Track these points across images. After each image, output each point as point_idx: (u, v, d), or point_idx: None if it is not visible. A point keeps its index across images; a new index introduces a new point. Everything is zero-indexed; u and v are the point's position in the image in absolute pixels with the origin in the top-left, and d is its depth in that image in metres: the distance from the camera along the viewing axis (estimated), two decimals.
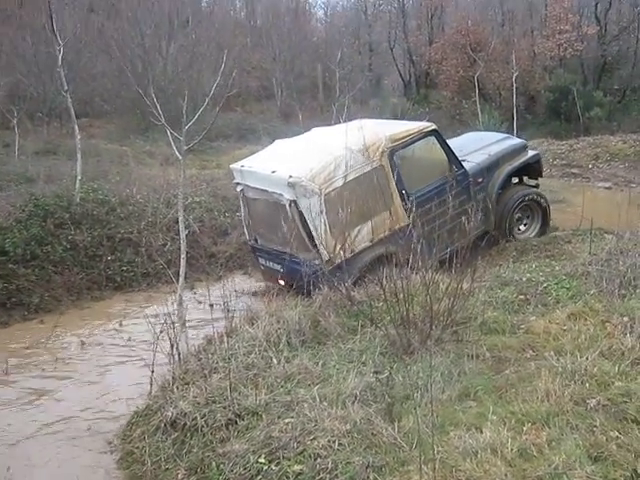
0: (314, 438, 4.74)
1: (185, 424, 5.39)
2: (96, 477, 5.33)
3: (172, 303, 7.47)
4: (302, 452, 4.66)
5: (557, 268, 8.04)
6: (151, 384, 6.29)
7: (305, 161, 8.70)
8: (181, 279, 7.17)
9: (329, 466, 4.45)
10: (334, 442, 4.66)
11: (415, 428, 4.52)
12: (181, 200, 7.39)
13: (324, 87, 31.87)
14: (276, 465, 4.62)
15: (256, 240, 9.65)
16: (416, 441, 4.45)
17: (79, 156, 11.45)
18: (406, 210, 8.40)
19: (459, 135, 12.71)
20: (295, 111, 27.17)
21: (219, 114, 7.86)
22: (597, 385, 5.08)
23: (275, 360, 6.08)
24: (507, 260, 9.35)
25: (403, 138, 9.16)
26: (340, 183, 8.43)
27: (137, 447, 5.54)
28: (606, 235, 9.51)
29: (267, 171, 8.76)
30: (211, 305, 7.21)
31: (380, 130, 9.15)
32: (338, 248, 8.13)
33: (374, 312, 6.59)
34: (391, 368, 5.69)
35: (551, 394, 4.93)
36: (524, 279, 7.69)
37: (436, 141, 9.48)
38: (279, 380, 5.74)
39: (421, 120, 12.00)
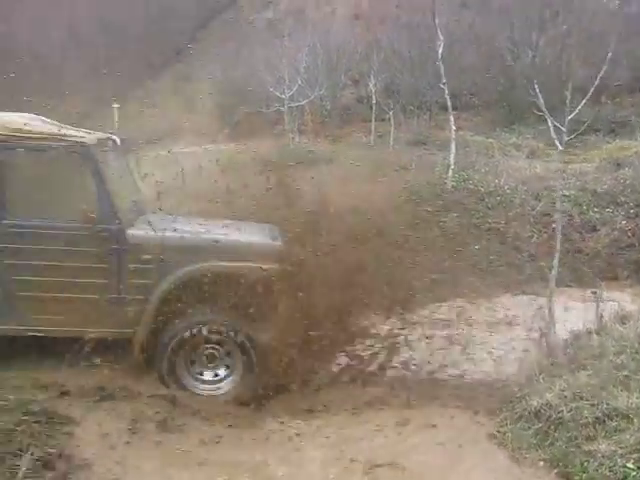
0: None
1: (550, 416, 5.35)
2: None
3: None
4: None
5: None
6: (519, 372, 6.38)
7: None
8: (554, 271, 7.11)
9: None
10: None
11: None
12: (560, 191, 7.30)
13: None
14: None
15: None
16: None
17: (453, 146, 11.95)
18: None
19: None
20: None
21: (586, 107, 7.52)
22: None
23: None
24: None
25: (23, 134, 6.10)
26: None
27: (499, 431, 5.64)
28: None
29: None
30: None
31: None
32: None
33: None
34: None
35: None
36: None
37: (86, 165, 6.15)
38: None
39: None
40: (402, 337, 7.69)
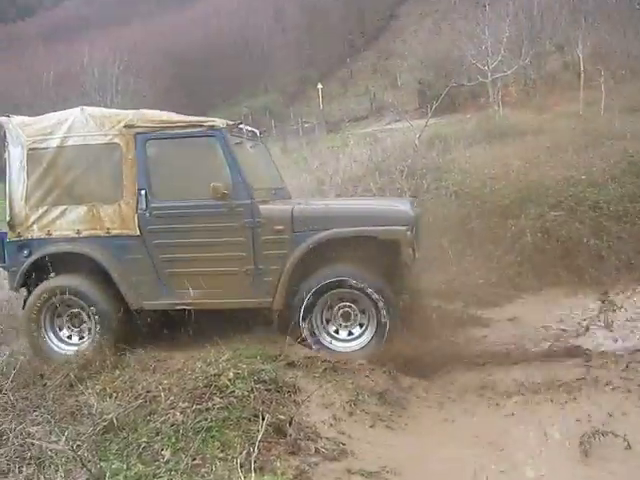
0: None
1: None
2: None
3: None
4: None
5: None
6: None
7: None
8: None
9: None
10: None
11: None
12: None
13: None
14: None
15: None
16: None
17: None
18: (140, 218, 6.72)
19: None
20: None
21: None
22: None
23: None
24: None
25: (165, 125, 6.77)
26: (55, 144, 6.98)
27: None
28: None
29: None
30: None
31: (138, 112, 7.00)
32: (31, 220, 7.01)
33: None
34: None
35: None
36: None
37: (218, 146, 6.66)
38: None
39: None
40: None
